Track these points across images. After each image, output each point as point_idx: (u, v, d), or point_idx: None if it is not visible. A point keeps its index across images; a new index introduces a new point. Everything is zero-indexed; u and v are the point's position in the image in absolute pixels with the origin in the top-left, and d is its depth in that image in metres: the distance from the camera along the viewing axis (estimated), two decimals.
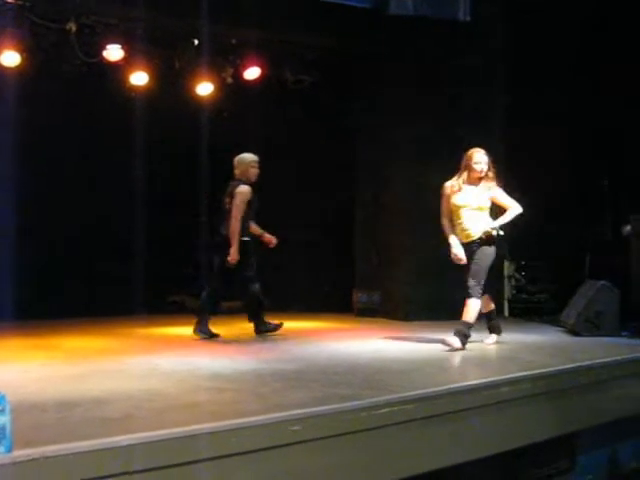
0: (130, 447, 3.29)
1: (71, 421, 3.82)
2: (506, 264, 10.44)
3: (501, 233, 6.93)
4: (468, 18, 8.95)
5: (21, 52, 8.57)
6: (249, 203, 7.72)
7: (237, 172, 7.89)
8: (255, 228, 7.97)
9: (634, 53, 9.61)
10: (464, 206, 6.94)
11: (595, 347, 7.20)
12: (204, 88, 10.06)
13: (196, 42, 9.28)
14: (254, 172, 7.89)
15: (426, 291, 9.65)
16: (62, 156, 9.98)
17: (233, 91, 10.19)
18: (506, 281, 10.45)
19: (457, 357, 6.48)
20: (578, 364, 6.01)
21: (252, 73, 9.85)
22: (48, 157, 9.81)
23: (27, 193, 9.32)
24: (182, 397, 4.53)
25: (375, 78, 10.20)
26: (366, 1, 8.53)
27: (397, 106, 10.01)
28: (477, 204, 6.94)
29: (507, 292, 10.49)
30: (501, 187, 7.11)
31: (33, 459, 3.03)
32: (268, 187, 10.94)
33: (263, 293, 7.88)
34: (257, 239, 7.98)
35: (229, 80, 9.94)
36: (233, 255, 7.50)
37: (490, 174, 7.01)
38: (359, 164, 10.74)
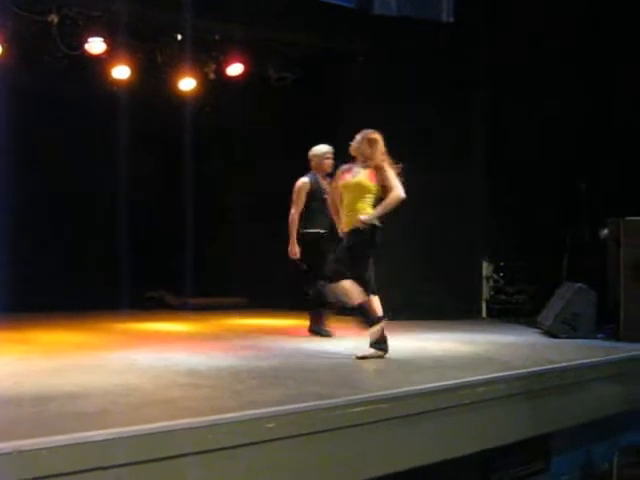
0: (105, 442, 3.27)
1: (46, 415, 3.80)
2: (485, 265, 10.51)
3: (378, 224, 6.12)
4: (451, 19, 8.99)
5: (2, 43, 8.51)
6: (310, 194, 7.75)
7: (312, 165, 7.93)
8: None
9: (619, 54, 9.69)
10: (343, 187, 6.31)
11: (571, 349, 7.24)
12: (186, 83, 10.05)
13: (179, 37, 9.26)
14: (328, 163, 7.83)
15: (404, 290, 9.68)
16: (43, 149, 9.94)
17: (215, 87, 10.18)
18: (484, 282, 10.52)
19: (433, 357, 6.51)
20: (554, 365, 6.05)
21: (235, 69, 9.85)
22: (29, 150, 9.77)
23: (8, 188, 9.26)
24: (158, 393, 4.52)
25: (358, 77, 10.20)
26: (350, 1, 8.55)
27: (378, 106, 10.01)
28: (354, 182, 6.20)
29: (485, 293, 10.55)
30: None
31: (7, 453, 3.01)
32: (249, 183, 11.03)
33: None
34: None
35: (211, 76, 9.94)
36: (290, 248, 7.66)
37: (375, 156, 6.20)
38: (341, 162, 10.72)
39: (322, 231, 7.68)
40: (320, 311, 7.85)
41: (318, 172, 7.88)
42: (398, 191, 6.09)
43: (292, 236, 7.69)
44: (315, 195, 7.76)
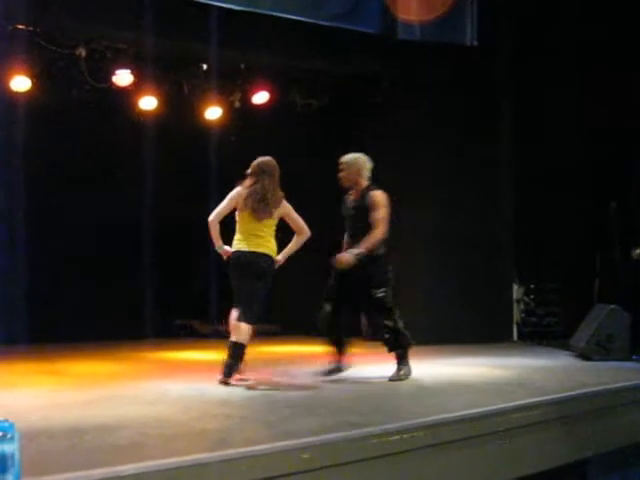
0: (138, 476, 3.26)
1: (80, 449, 3.79)
2: (515, 287, 10.42)
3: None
4: (475, 43, 8.99)
5: (31, 77, 8.63)
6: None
7: None
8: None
9: None
10: None
11: (606, 371, 7.14)
12: (212, 112, 10.10)
13: (205, 67, 9.33)
14: (340, 176, 6.86)
15: (434, 315, 9.63)
16: (71, 181, 10.02)
17: (241, 115, 10.23)
18: (515, 305, 10.43)
19: (465, 382, 6.44)
20: (589, 389, 5.96)
21: (260, 97, 9.89)
22: (57, 182, 9.87)
23: (36, 218, 9.35)
24: (191, 424, 4.50)
25: (383, 103, 10.23)
26: (374, 27, 8.58)
27: (404, 130, 10.03)
28: None
29: (516, 315, 10.46)
30: None
31: None
32: None
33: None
34: None
35: (237, 104, 9.98)
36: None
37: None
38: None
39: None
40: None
41: None
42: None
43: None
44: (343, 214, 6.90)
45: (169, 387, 6.05)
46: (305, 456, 3.71)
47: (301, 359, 8.09)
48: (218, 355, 8.63)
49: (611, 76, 9.75)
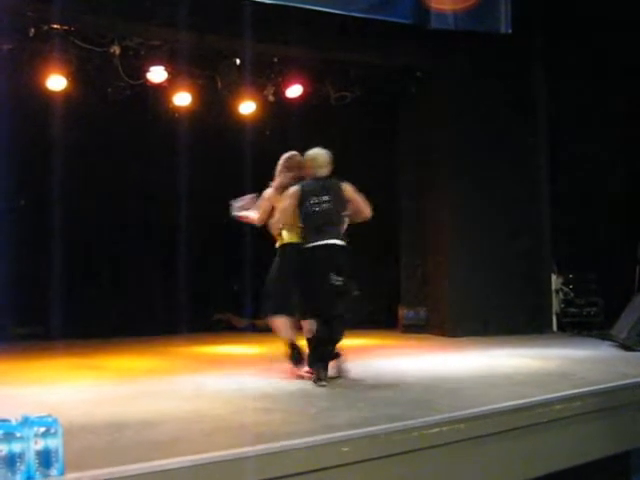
0: (179, 470, 3.28)
1: (121, 444, 3.82)
2: (554, 277, 10.31)
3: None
4: (510, 30, 8.87)
5: (67, 76, 8.70)
6: None
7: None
8: None
9: None
10: None
11: None
12: (246, 107, 10.10)
13: (238, 61, 9.33)
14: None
15: (472, 307, 9.58)
16: (108, 178, 10.10)
17: (275, 109, 10.22)
18: (554, 295, 10.32)
19: (505, 374, 6.38)
20: (631, 380, 5.88)
21: (294, 91, 9.88)
22: (94, 179, 9.94)
23: (74, 215, 9.44)
24: (230, 418, 4.51)
25: (417, 93, 10.17)
26: (407, 17, 8.51)
27: (440, 122, 9.97)
28: None
29: (555, 306, 10.35)
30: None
31: None
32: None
33: None
34: None
35: (271, 98, 9.98)
36: None
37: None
38: (403, 180, 10.69)
39: None
40: None
41: None
42: None
43: None
44: None
45: (207, 381, 6.07)
46: (345, 449, 3.70)
47: None
48: (255, 349, 8.72)
49: None
